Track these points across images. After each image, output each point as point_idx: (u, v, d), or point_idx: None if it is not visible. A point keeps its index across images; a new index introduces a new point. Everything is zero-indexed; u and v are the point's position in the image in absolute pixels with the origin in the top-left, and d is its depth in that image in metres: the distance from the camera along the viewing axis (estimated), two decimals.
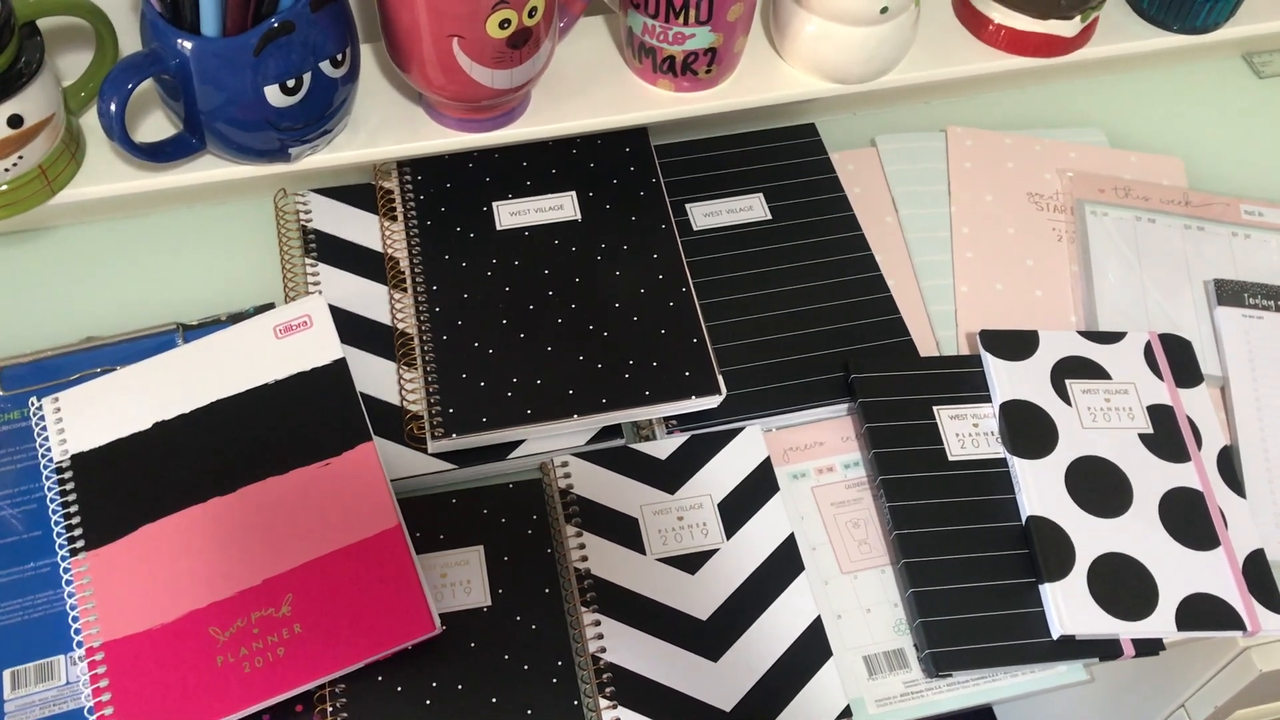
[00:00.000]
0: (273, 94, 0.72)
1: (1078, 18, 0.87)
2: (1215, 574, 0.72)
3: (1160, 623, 0.70)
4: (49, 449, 0.73)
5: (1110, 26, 0.92)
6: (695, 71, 0.83)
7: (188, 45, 0.70)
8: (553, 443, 0.76)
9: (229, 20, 0.70)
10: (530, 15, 0.74)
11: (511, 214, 0.84)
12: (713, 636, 0.70)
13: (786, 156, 0.91)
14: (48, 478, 0.72)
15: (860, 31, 0.82)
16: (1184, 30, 0.92)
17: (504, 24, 0.73)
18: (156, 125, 0.81)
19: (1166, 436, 0.77)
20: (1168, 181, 0.93)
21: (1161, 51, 0.95)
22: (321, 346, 0.76)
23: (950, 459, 0.76)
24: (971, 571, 0.72)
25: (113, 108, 0.70)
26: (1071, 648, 0.70)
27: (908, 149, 0.93)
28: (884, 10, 0.80)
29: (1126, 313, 0.84)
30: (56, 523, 0.70)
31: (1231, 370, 0.82)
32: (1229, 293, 0.85)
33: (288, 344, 0.76)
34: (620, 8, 0.83)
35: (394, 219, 0.84)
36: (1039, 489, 0.74)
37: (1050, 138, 0.94)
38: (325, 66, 0.73)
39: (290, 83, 0.72)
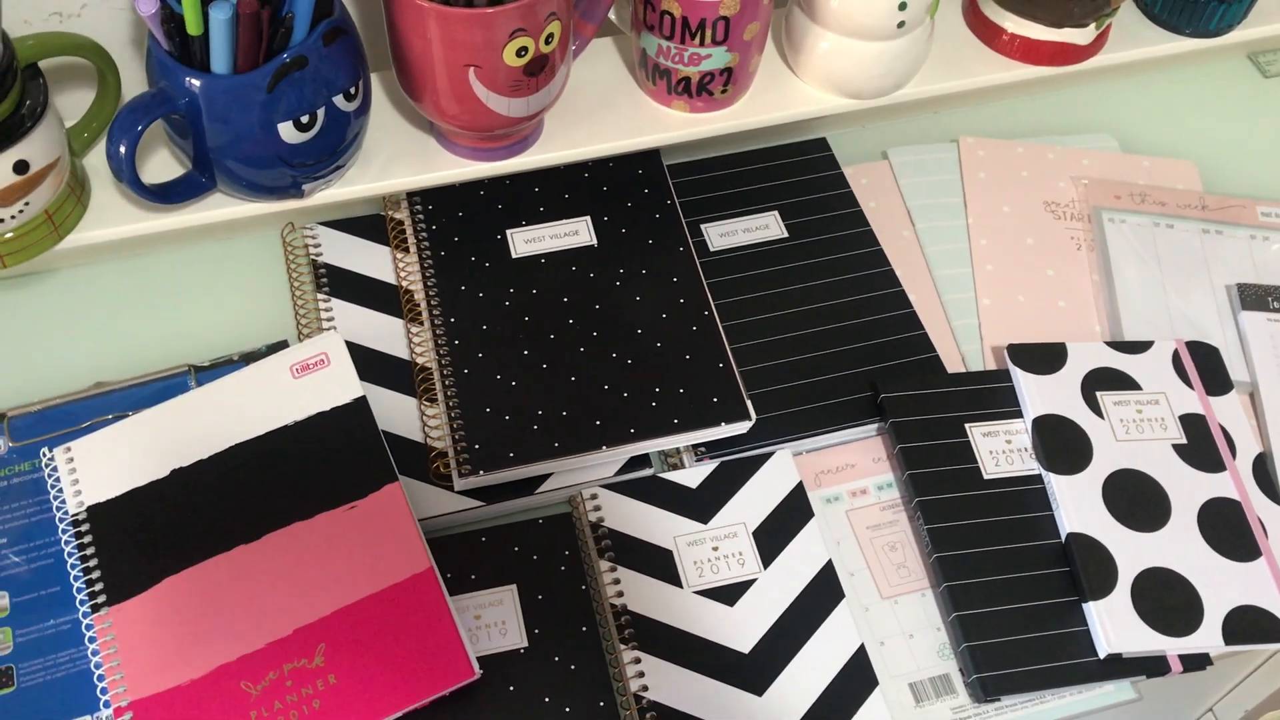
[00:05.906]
0: (286, 130, 0.70)
1: (1092, 25, 0.86)
2: (1259, 585, 0.72)
3: (1207, 637, 0.70)
4: (64, 501, 0.71)
5: (1121, 32, 0.91)
6: (711, 92, 0.81)
7: (197, 83, 0.68)
8: (580, 475, 0.75)
9: (240, 57, 0.68)
10: (547, 42, 0.72)
11: (526, 241, 0.82)
12: (756, 670, 0.68)
13: (799, 172, 0.90)
14: (64, 531, 0.70)
15: (876, 46, 0.81)
16: (1196, 34, 0.91)
17: (521, 52, 0.71)
18: (162, 162, 0.79)
19: (1200, 446, 0.76)
20: (1182, 185, 0.92)
21: (1170, 55, 0.94)
22: (341, 385, 0.74)
23: (985, 477, 0.74)
24: (1014, 592, 0.71)
25: (122, 150, 0.68)
26: (1118, 666, 0.69)
27: (920, 161, 0.92)
28: (900, 25, 0.79)
29: (1150, 320, 0.83)
30: (76, 578, 0.68)
31: (1260, 375, 0.81)
32: (1252, 297, 0.84)
33: (305, 383, 0.74)
34: (633, 29, 0.81)
35: (406, 250, 0.82)
36: (1077, 505, 0.73)
37: (1062, 145, 0.93)
38: (339, 100, 0.72)
39: (304, 118, 0.70)
